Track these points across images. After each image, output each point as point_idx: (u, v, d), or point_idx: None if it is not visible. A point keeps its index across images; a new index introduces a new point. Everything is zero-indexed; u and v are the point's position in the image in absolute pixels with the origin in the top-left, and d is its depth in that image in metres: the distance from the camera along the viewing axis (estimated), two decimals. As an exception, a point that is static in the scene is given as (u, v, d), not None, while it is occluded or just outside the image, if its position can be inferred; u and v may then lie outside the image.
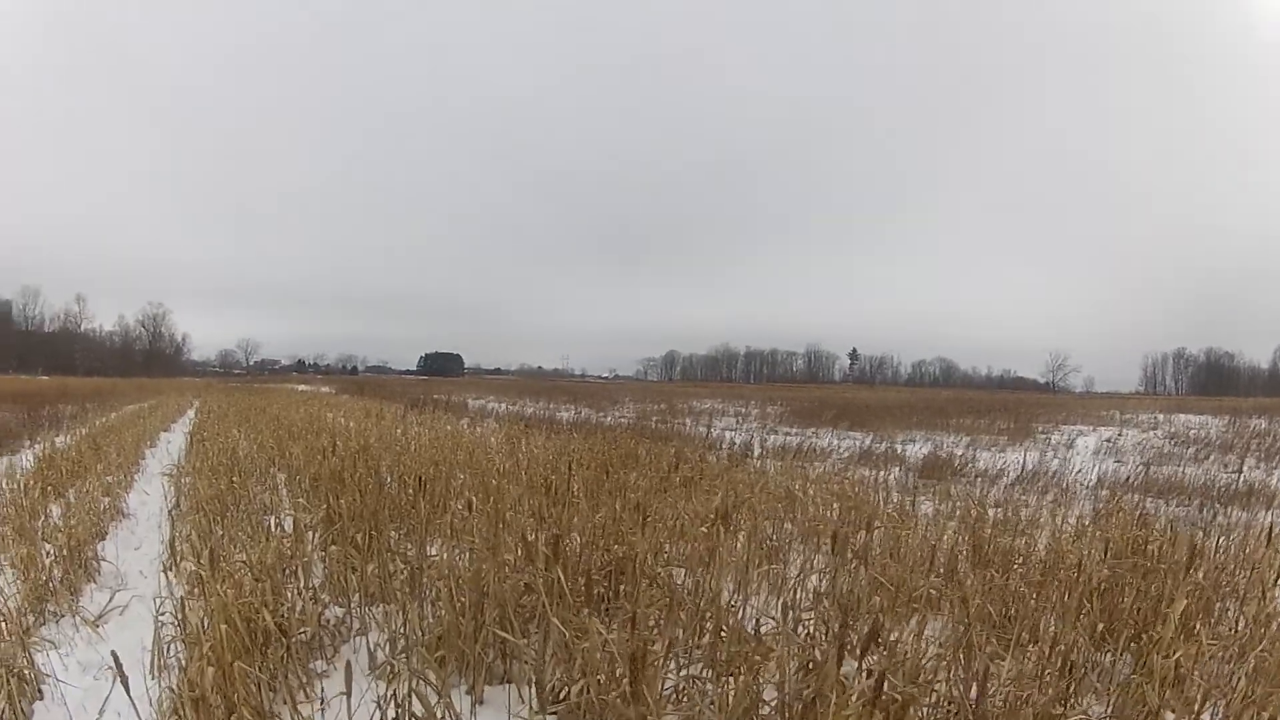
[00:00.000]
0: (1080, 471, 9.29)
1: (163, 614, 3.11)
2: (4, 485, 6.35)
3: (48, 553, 4.22)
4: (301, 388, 38.06)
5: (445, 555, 3.15)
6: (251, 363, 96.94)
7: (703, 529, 3.84)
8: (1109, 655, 2.92)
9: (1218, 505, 7.07)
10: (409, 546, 3.72)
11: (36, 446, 9.55)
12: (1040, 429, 15.86)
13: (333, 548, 3.66)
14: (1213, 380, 57.39)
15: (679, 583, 3.56)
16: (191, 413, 18.16)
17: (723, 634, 2.69)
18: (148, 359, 75.12)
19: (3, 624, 3.33)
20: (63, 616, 3.82)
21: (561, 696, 2.50)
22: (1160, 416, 19.16)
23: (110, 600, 3.91)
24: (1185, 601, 2.90)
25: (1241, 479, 8.61)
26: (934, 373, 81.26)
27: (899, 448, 11.52)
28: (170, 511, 5.45)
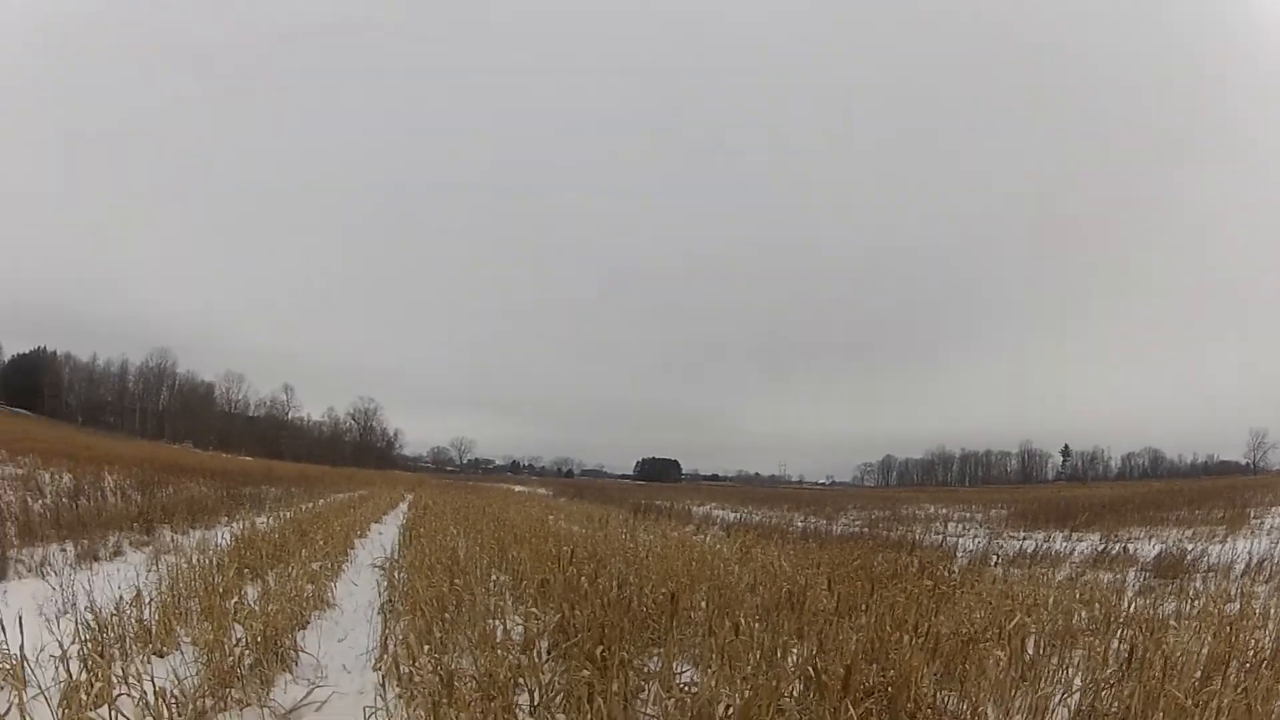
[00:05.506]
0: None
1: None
2: (195, 560, 6.00)
3: (238, 638, 3.90)
4: (518, 488, 37.70)
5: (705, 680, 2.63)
6: (465, 461, 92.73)
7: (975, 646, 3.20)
8: None
9: None
10: (648, 664, 3.34)
11: (235, 525, 9.41)
12: (1253, 514, 14.93)
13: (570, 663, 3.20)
14: (1404, 429, 47.93)
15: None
16: (404, 506, 17.91)
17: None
18: (358, 450, 73.42)
19: (174, 707, 3.06)
20: (248, 705, 3.54)
21: None
22: (1368, 481, 17.04)
23: (307, 695, 3.60)
24: None
25: None
26: (1143, 465, 76.37)
27: (1130, 548, 10.88)
28: (382, 607, 5.14)
